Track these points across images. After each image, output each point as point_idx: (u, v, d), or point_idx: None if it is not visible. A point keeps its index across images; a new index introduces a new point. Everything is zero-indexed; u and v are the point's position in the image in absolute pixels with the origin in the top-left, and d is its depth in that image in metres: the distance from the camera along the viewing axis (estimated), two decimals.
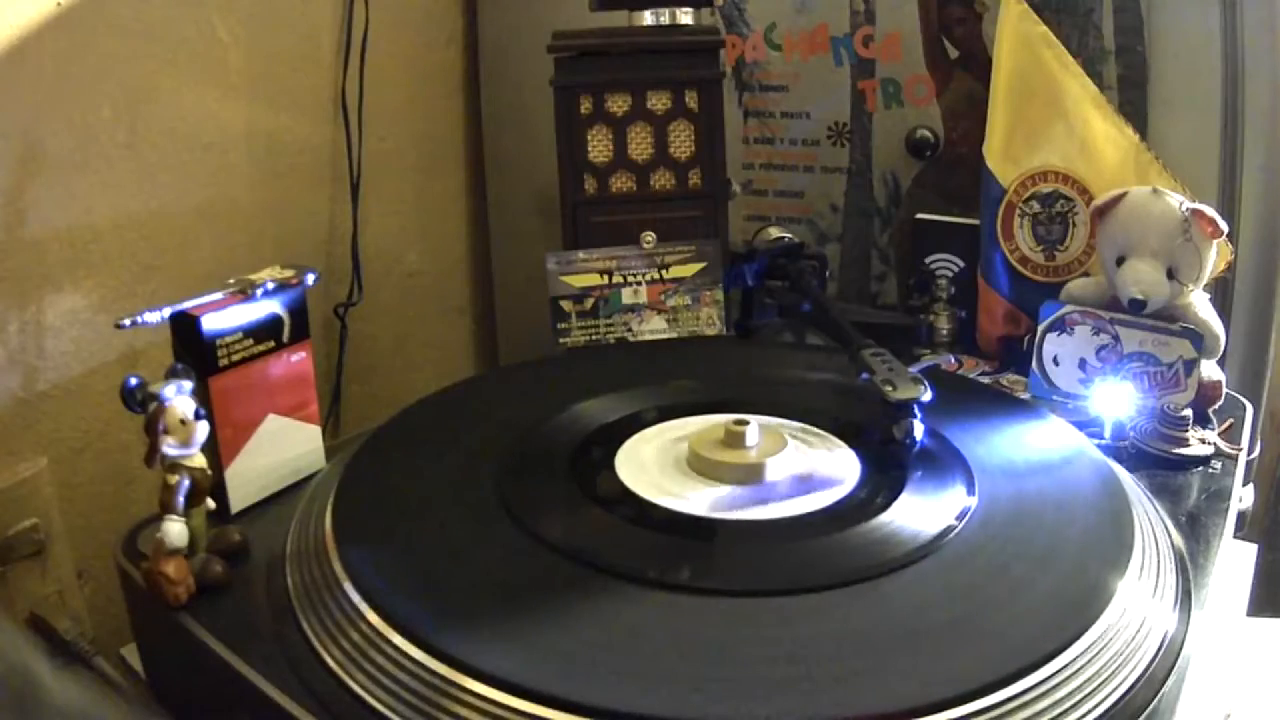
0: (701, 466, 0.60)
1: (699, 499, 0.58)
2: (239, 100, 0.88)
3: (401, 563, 0.53)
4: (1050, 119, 0.84)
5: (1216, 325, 0.75)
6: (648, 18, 0.90)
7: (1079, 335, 0.77)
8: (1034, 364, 0.78)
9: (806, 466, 0.61)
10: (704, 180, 0.89)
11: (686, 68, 0.88)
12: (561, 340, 0.85)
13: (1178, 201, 0.73)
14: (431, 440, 0.66)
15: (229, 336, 0.61)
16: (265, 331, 0.63)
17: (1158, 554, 0.54)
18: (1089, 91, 0.83)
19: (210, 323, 0.60)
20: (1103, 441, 0.69)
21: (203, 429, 0.54)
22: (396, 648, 0.46)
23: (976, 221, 0.89)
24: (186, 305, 0.60)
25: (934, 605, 0.49)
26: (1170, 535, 0.58)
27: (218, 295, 0.62)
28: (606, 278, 0.86)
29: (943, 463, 0.61)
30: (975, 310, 0.90)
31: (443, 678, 0.44)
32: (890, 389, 0.62)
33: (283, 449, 0.65)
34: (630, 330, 0.86)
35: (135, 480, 0.80)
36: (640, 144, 0.88)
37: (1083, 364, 0.76)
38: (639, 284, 0.86)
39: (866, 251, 1.05)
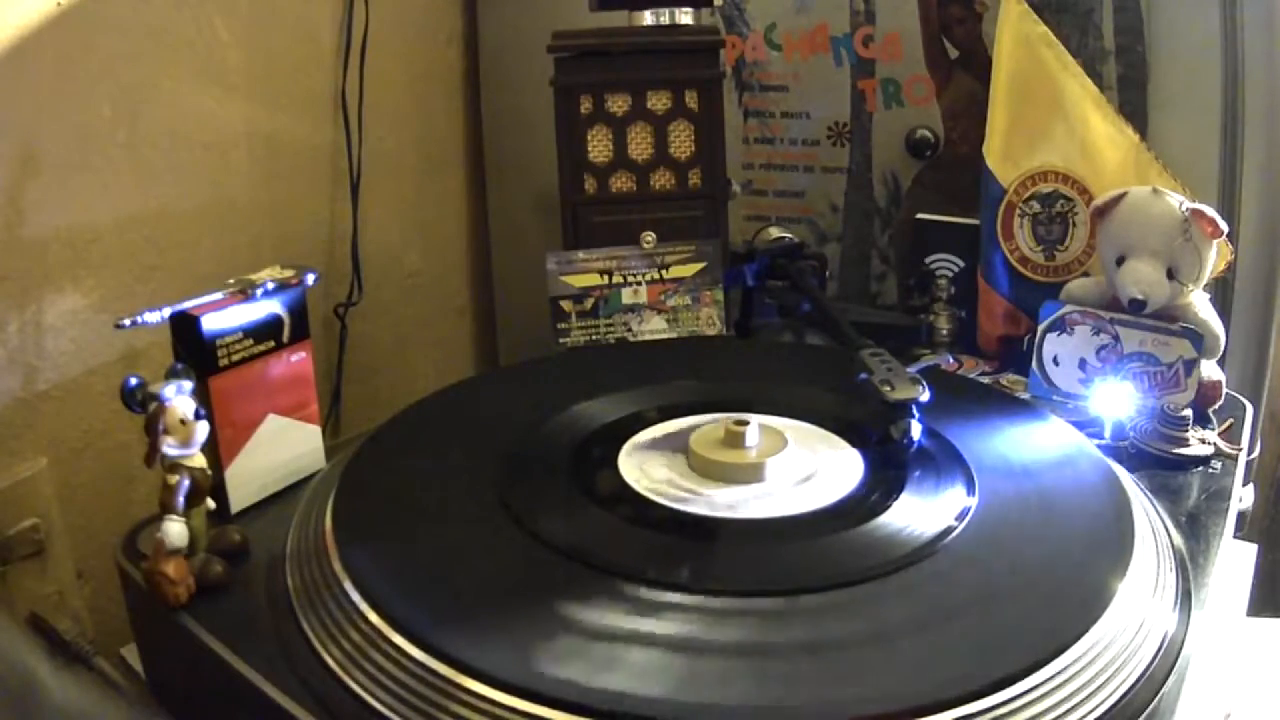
0: (701, 466, 0.60)
1: (699, 499, 0.58)
2: (239, 100, 0.88)
3: (401, 563, 0.53)
4: (1050, 119, 0.84)
5: (1216, 325, 0.75)
6: (648, 18, 0.91)
7: (1079, 335, 0.77)
8: (1034, 364, 0.78)
9: (806, 466, 0.61)
10: (704, 180, 0.89)
11: (686, 68, 0.88)
12: (561, 340, 0.85)
13: (1178, 201, 0.73)
14: (431, 440, 0.66)
15: (229, 336, 0.61)
16: (265, 331, 0.63)
17: (1158, 554, 0.54)
18: (1089, 91, 0.83)
19: (210, 323, 0.60)
20: (1103, 441, 0.69)
21: (203, 429, 0.54)
22: (396, 648, 0.46)
23: (976, 221, 0.89)
24: (186, 305, 0.60)
25: (934, 605, 0.49)
26: (1170, 535, 0.58)
27: (218, 295, 0.62)
28: (606, 278, 0.86)
29: (942, 463, 0.61)
30: (975, 310, 0.90)
31: (443, 678, 0.44)
32: (888, 389, 0.62)
33: (283, 449, 0.65)
34: (630, 330, 0.86)
35: (135, 480, 0.80)
36: (640, 144, 0.88)
37: (1083, 364, 0.76)
38: (639, 284, 0.86)
39: (866, 251, 1.05)
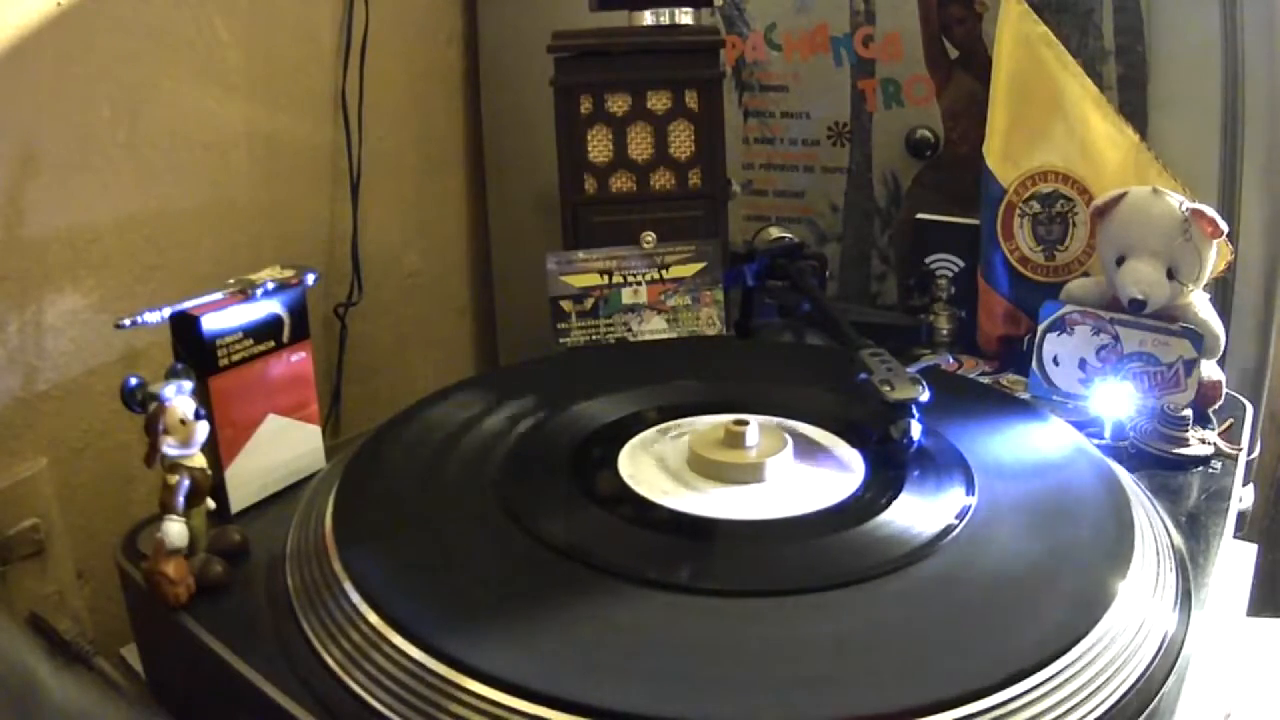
0: (701, 466, 0.60)
1: (699, 499, 0.58)
2: (239, 100, 0.88)
3: (401, 563, 0.53)
4: (1050, 119, 0.84)
5: (1216, 325, 0.75)
6: (648, 18, 0.91)
7: (1079, 335, 0.77)
8: (1034, 364, 0.78)
9: (806, 466, 0.61)
10: (704, 180, 0.89)
11: (686, 68, 0.88)
12: (561, 340, 0.85)
13: (1178, 201, 0.73)
14: (431, 440, 0.66)
15: (229, 336, 0.61)
16: (265, 331, 0.63)
17: (1158, 554, 0.54)
18: (1089, 91, 0.83)
19: (210, 323, 0.60)
20: (1103, 441, 0.69)
21: (203, 429, 0.54)
22: (396, 648, 0.46)
23: (976, 221, 0.89)
24: (186, 305, 0.60)
25: (933, 605, 0.49)
26: (1170, 535, 0.58)
27: (218, 295, 0.62)
28: (606, 278, 0.86)
29: (942, 463, 0.61)
30: (975, 310, 0.90)
31: (443, 678, 0.44)
32: (888, 389, 0.62)
33: (283, 449, 0.65)
34: (630, 330, 0.86)
35: (135, 480, 0.80)
36: (640, 144, 0.88)
37: (1083, 364, 0.76)
38: (639, 284, 0.86)
39: (866, 251, 1.05)
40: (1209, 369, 0.75)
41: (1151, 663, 0.47)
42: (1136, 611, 0.49)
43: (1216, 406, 0.75)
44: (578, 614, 0.48)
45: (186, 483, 0.54)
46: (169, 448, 0.53)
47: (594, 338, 0.86)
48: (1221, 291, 0.86)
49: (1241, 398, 0.78)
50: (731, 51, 1.04)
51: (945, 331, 0.93)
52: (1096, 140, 0.83)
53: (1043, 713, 0.43)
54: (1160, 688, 0.46)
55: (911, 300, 0.96)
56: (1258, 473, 0.89)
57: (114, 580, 0.61)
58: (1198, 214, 0.72)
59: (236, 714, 0.50)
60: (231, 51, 0.87)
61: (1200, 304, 0.75)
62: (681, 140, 0.88)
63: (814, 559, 0.52)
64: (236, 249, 0.89)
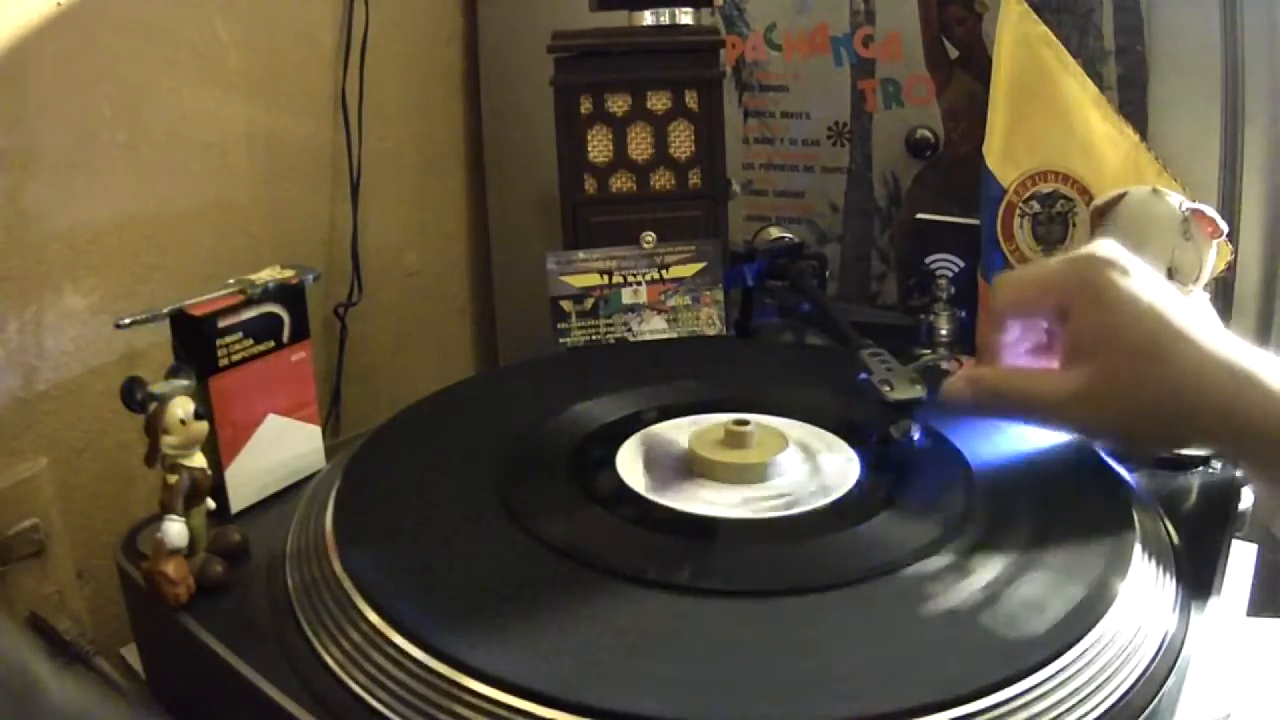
0: (701, 466, 0.60)
1: (698, 499, 0.58)
2: (239, 100, 0.88)
3: (401, 563, 0.53)
4: (1050, 119, 0.84)
5: None
6: (648, 18, 0.90)
7: None
8: None
9: (806, 466, 0.61)
10: (704, 180, 0.89)
11: (686, 68, 0.88)
12: (561, 340, 0.85)
13: (1177, 201, 0.73)
14: (431, 440, 0.66)
15: (229, 336, 0.61)
16: (265, 331, 0.63)
17: (1158, 554, 0.54)
18: (1089, 91, 0.82)
19: (210, 323, 0.60)
20: None
21: (203, 429, 0.54)
22: (396, 648, 0.46)
23: (976, 221, 0.89)
24: (186, 305, 0.60)
25: (933, 605, 0.49)
26: (1170, 535, 0.58)
27: (218, 295, 0.62)
28: (606, 278, 0.86)
29: (942, 463, 0.61)
30: (975, 310, 0.90)
31: (443, 678, 0.44)
32: (888, 389, 0.62)
33: (283, 449, 0.65)
34: (630, 330, 0.86)
35: (135, 480, 0.80)
36: (640, 144, 0.88)
37: None
38: (639, 284, 0.86)
39: (866, 251, 1.05)
40: None
41: (1151, 663, 0.47)
42: (1136, 611, 0.49)
43: None
44: (578, 614, 0.48)
45: (186, 483, 0.54)
46: (169, 448, 0.53)
47: (594, 338, 0.86)
48: (1221, 291, 0.86)
49: None
50: (731, 51, 1.04)
51: (945, 331, 0.92)
52: (1096, 140, 0.82)
53: (1043, 712, 0.42)
54: (1160, 688, 0.46)
55: (911, 300, 0.96)
56: None
57: (114, 580, 0.61)
58: (1198, 214, 0.72)
59: (236, 714, 0.50)
60: (231, 51, 0.87)
61: (1200, 304, 0.75)
62: (681, 140, 0.88)
63: (814, 559, 0.52)
64: (236, 249, 0.89)
